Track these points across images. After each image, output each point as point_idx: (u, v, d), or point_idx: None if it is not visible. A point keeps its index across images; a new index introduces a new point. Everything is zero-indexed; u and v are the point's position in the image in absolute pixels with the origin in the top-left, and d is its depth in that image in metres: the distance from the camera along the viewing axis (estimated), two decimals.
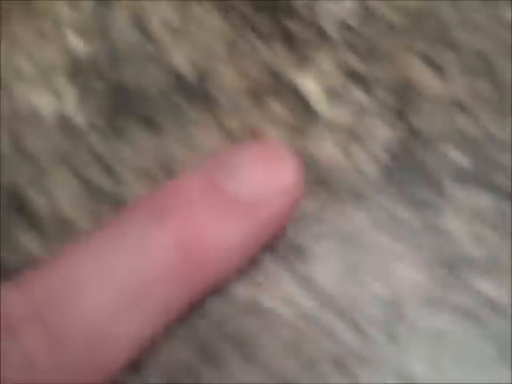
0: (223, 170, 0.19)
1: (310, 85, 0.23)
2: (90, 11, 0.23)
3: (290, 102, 0.22)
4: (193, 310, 0.20)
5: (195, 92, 0.23)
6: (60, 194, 0.21)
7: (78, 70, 0.23)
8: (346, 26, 0.23)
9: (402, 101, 0.22)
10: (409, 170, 0.21)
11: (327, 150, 0.22)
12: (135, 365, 0.19)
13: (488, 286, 0.20)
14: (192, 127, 0.22)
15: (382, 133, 0.22)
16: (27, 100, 0.22)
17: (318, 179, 0.21)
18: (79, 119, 0.22)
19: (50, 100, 0.22)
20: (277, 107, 0.22)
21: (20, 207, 0.21)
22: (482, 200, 0.21)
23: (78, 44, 0.23)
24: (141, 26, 0.23)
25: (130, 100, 0.22)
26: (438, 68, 0.22)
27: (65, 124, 0.22)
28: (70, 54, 0.23)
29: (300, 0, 0.24)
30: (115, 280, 0.17)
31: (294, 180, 0.19)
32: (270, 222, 0.19)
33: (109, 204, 0.21)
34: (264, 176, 0.19)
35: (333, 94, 0.23)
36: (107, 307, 0.17)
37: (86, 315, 0.17)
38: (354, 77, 0.23)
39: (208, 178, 0.19)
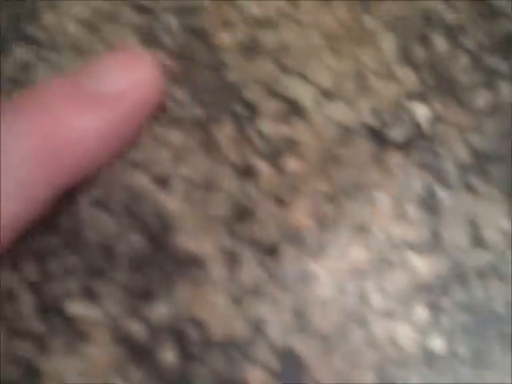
0: (85, 73, 0.21)
1: None
2: (419, 223, 0.24)
3: None
4: None
5: None
6: None
7: (425, 292, 0.23)
8: None
9: None
10: None
11: None
12: None
13: None
14: None
15: None
16: (388, 334, 0.23)
17: None
18: (438, 346, 0.23)
19: (409, 331, 0.23)
20: None
21: None
22: None
23: (419, 264, 0.23)
24: (475, 234, 0.24)
25: (487, 320, 0.23)
26: None
27: (425, 353, 0.22)
28: (415, 275, 0.23)
29: None
30: None
31: (150, 76, 0.22)
32: (131, 115, 0.22)
33: None
34: (122, 74, 0.21)
35: None
36: None
37: None
38: None
39: (70, 80, 0.21)
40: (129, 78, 0.21)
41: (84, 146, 0.21)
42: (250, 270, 0.23)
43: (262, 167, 0.24)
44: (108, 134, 0.21)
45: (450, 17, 0.26)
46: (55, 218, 0.23)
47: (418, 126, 0.25)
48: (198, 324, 0.22)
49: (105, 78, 0.21)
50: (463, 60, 0.25)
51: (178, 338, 0.22)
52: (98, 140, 0.21)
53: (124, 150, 0.23)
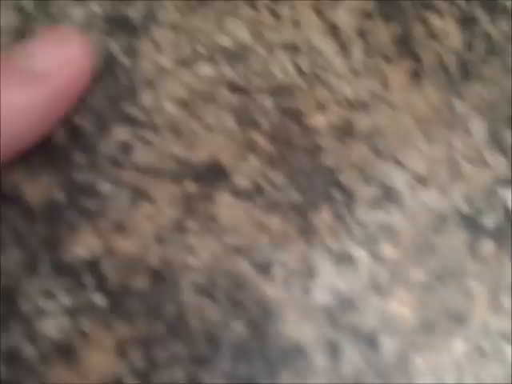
0: (19, 51, 0.22)
1: None
2: None
3: None
4: None
5: None
6: None
7: None
8: None
9: None
10: None
11: None
12: None
13: None
14: None
15: None
16: None
17: None
18: None
19: None
20: None
21: None
22: None
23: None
24: None
25: None
26: None
27: None
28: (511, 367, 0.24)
29: None
30: None
31: (80, 54, 0.22)
32: (62, 91, 0.22)
33: None
34: (54, 52, 0.22)
35: None
36: None
37: None
38: None
39: (2, 57, 0.22)
40: (60, 55, 0.22)
41: (16, 122, 0.21)
42: (351, 360, 0.23)
43: (360, 254, 0.24)
44: (40, 110, 0.22)
45: None
46: (160, 305, 0.23)
47: (509, 213, 0.25)
48: None
49: (36, 55, 0.22)
50: None
51: None
52: (31, 115, 0.22)
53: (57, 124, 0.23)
